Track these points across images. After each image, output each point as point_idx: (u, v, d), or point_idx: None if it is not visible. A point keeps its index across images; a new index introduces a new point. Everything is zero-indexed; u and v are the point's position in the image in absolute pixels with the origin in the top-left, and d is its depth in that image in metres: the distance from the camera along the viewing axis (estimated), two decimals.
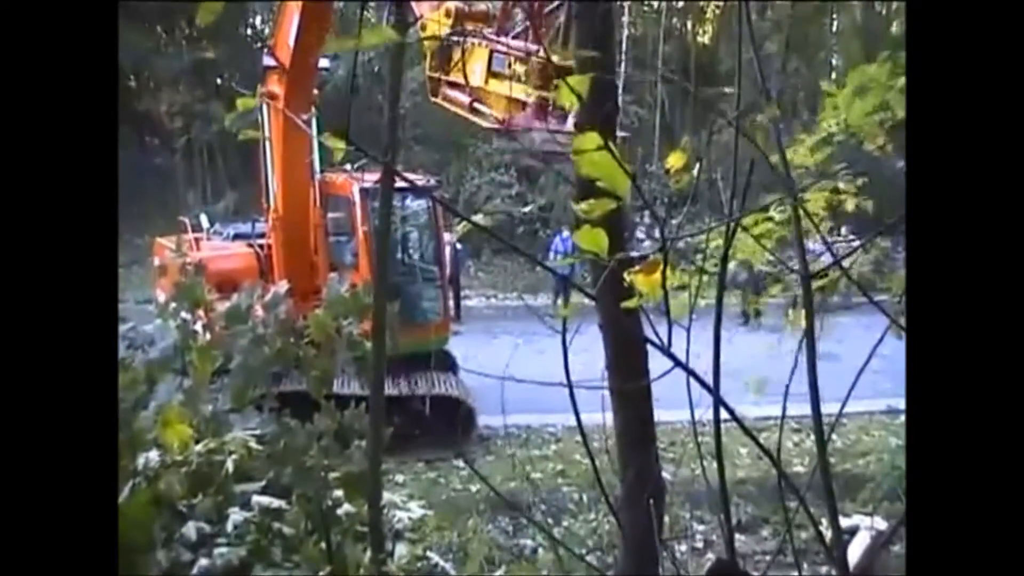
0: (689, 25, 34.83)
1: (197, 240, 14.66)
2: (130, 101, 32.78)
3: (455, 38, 9.70)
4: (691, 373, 2.35)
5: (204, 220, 16.23)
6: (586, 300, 3.41)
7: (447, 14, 9.92)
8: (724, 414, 2.56)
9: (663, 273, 2.13)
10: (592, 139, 1.78)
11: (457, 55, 10.00)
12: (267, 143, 13.89)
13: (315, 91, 13.54)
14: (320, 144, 13.52)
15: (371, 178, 13.05)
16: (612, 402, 5.18)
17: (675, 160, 2.57)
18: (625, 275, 2.22)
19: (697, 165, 2.62)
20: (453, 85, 10.16)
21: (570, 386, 2.54)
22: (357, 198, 13.17)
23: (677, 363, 2.27)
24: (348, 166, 12.81)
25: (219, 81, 31.34)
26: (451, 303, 15.34)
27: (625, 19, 27.97)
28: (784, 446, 4.19)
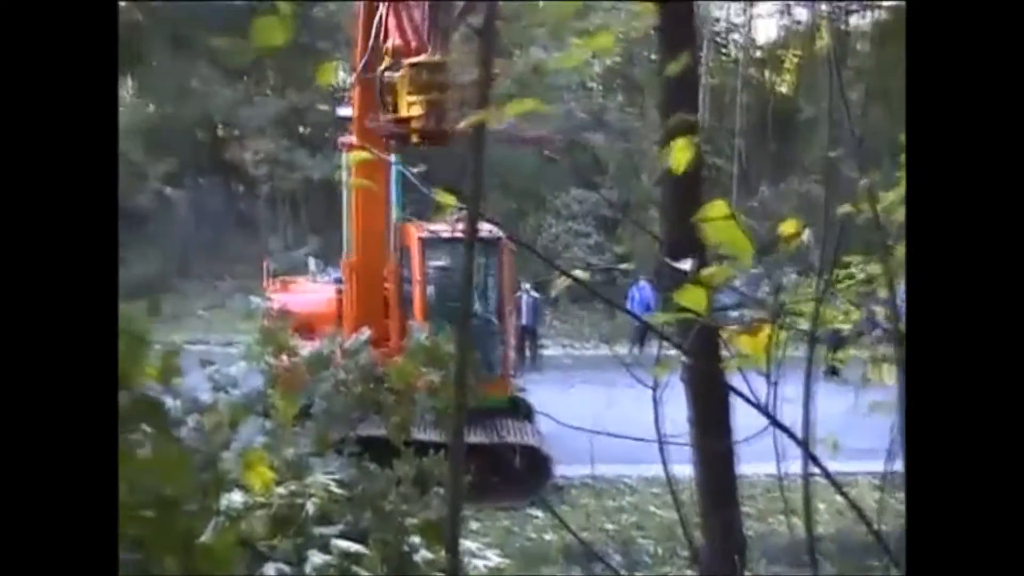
0: (767, 74, 34.74)
1: (285, 283, 14.90)
2: (218, 150, 33.65)
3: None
4: (784, 430, 2.33)
5: (312, 264, 16.46)
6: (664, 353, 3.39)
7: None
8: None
9: (770, 336, 2.11)
10: (719, 207, 1.79)
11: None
12: (347, 191, 14.15)
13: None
14: (400, 192, 13.75)
15: (433, 228, 13.31)
16: (694, 456, 5.13)
17: (788, 227, 2.56)
18: (724, 334, 2.21)
19: (807, 232, 2.60)
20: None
21: (660, 441, 2.53)
22: (415, 248, 13.35)
23: (771, 420, 2.25)
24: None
25: (302, 130, 31.96)
26: (512, 359, 14.81)
27: (703, 69, 27.98)
28: (866, 503, 4.12)
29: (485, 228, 14.05)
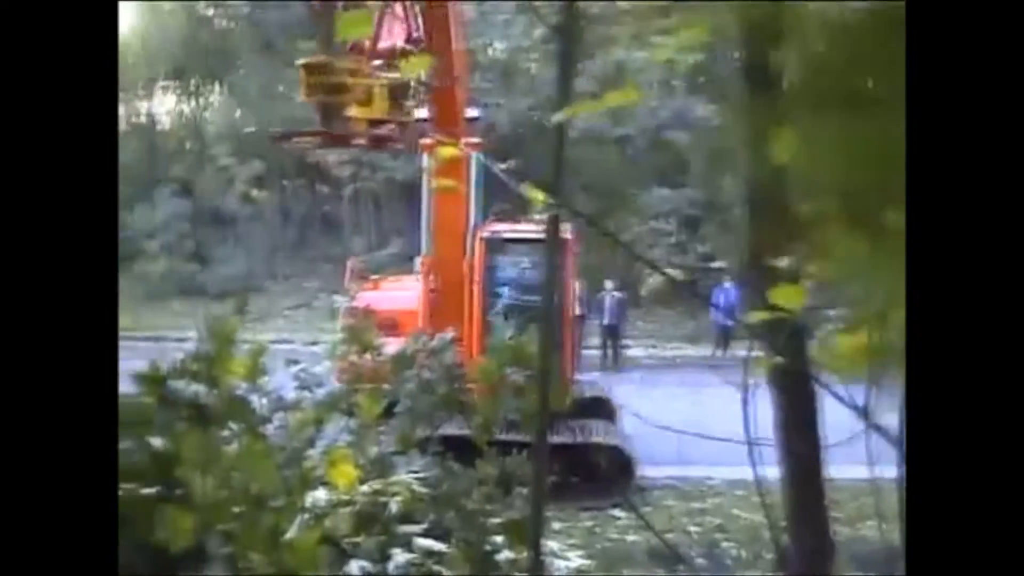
0: None
1: (371, 283, 15.06)
2: (303, 153, 34.13)
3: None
4: (883, 434, 2.28)
5: (418, 263, 16.61)
6: (741, 354, 3.34)
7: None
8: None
9: (868, 337, 2.06)
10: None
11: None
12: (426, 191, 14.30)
13: (472, 140, 13.78)
14: (480, 190, 13.83)
15: (496, 228, 13.49)
16: (782, 458, 5.05)
17: None
18: (819, 335, 2.18)
19: None
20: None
21: (750, 443, 2.49)
22: (478, 248, 13.40)
23: (869, 423, 2.20)
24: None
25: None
26: (573, 362, 14.59)
27: None
28: None
29: (533, 228, 13.94)
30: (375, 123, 9.70)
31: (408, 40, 10.47)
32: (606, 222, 26.67)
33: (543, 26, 8.18)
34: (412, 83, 10.28)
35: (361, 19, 2.08)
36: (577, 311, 14.39)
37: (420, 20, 10.58)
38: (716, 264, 24.32)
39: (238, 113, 33.44)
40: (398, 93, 10.11)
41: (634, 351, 23.34)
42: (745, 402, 2.39)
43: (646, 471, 13.24)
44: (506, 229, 13.68)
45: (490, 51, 30.03)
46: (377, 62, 9.92)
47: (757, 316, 2.08)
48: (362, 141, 9.27)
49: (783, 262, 2.07)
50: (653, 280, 20.00)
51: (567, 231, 12.94)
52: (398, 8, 10.49)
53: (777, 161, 1.98)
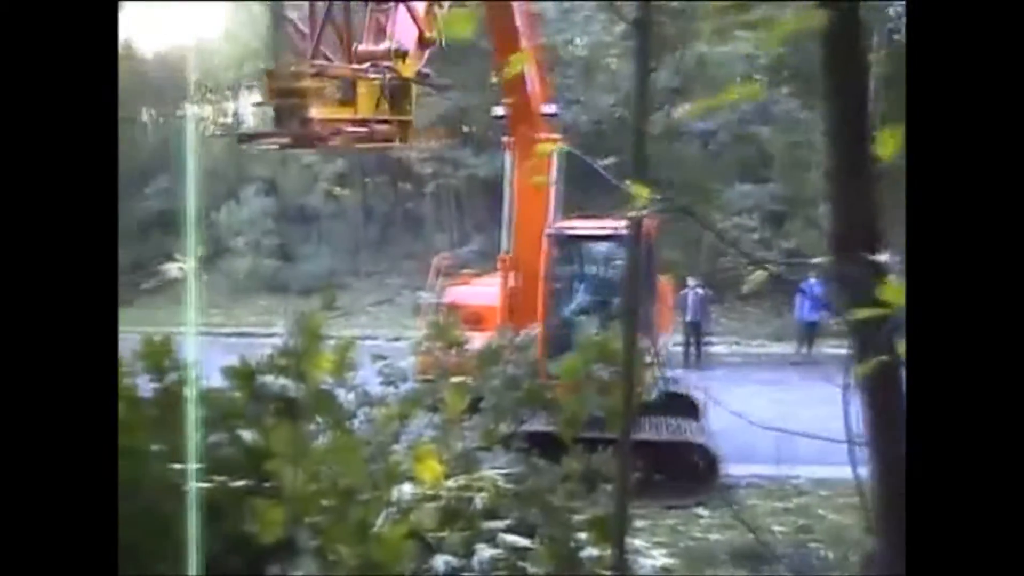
0: None
1: (456, 279, 15.23)
2: (386, 149, 34.43)
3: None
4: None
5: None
6: (825, 351, 3.28)
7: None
8: None
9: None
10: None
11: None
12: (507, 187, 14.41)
13: (552, 137, 13.83)
14: (561, 186, 13.85)
15: (562, 224, 13.64)
16: (872, 458, 4.96)
17: None
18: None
19: None
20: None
21: (850, 442, 2.46)
22: (544, 245, 13.44)
23: None
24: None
25: (466, 129, 32.41)
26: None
27: (873, 57, 27.11)
28: None
29: (621, 225, 13.86)
30: (359, 123, 9.89)
31: (420, 41, 10.61)
32: (688, 219, 26.50)
33: (623, 22, 8.17)
34: (410, 82, 10.47)
35: (464, 17, 2.08)
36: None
37: (436, 20, 10.71)
38: (803, 260, 23.99)
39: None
40: (395, 92, 10.26)
41: (717, 348, 23.12)
42: (845, 401, 2.35)
43: (730, 469, 13.12)
44: (574, 226, 13.71)
45: (571, 48, 29.96)
46: (366, 64, 10.11)
47: (862, 313, 2.05)
48: (337, 141, 9.46)
49: (880, 257, 2.04)
50: (753, 277, 19.64)
51: (649, 228, 12.92)
52: (402, 9, 10.69)
53: (882, 158, 1.96)
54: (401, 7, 10.56)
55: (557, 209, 14.21)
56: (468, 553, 3.63)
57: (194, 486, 2.91)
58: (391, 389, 4.41)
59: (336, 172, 32.62)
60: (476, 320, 12.16)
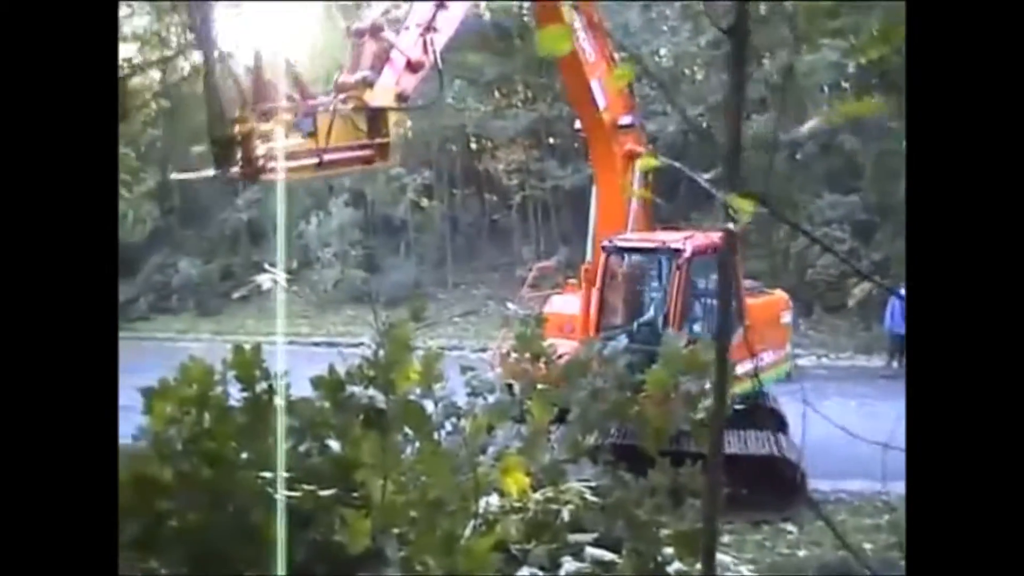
0: None
1: (563, 287, 15.38)
2: (471, 161, 34.67)
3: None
4: None
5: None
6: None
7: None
8: None
9: None
10: None
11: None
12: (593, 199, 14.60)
13: (635, 148, 13.89)
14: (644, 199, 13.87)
15: (624, 237, 13.61)
16: None
17: None
18: None
19: None
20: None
21: None
22: (599, 256, 13.49)
23: None
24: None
25: (551, 140, 32.44)
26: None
27: None
28: None
29: (676, 237, 13.85)
30: (317, 152, 10.31)
31: (409, 66, 11.16)
32: (776, 229, 26.13)
33: (711, 30, 8.17)
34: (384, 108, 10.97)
35: (561, 34, 2.08)
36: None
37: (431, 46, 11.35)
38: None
39: (408, 123, 34.15)
40: (372, 118, 10.85)
41: (803, 360, 22.76)
42: None
43: (816, 484, 12.89)
44: (629, 239, 13.70)
45: (656, 58, 29.83)
46: (326, 97, 10.70)
47: None
48: (274, 174, 9.93)
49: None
50: (859, 290, 19.36)
51: (687, 244, 12.94)
52: (399, 37, 11.26)
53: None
54: (371, 40, 11.13)
55: (654, 220, 14.26)
56: (554, 566, 3.61)
57: (282, 494, 2.94)
58: (478, 400, 4.41)
59: (423, 183, 32.88)
60: (563, 329, 12.27)
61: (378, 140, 11.01)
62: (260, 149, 9.46)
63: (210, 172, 9.76)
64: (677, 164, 2.28)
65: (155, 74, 39.05)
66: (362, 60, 11.12)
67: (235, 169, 9.43)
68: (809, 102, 25.29)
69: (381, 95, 10.88)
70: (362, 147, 10.90)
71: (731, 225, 1.99)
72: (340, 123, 10.40)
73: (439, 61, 11.47)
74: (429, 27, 11.41)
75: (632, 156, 13.93)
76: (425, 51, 11.37)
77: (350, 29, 11.42)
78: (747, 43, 2.02)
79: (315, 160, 10.19)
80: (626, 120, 14.09)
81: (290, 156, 9.82)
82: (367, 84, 10.82)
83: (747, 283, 12.50)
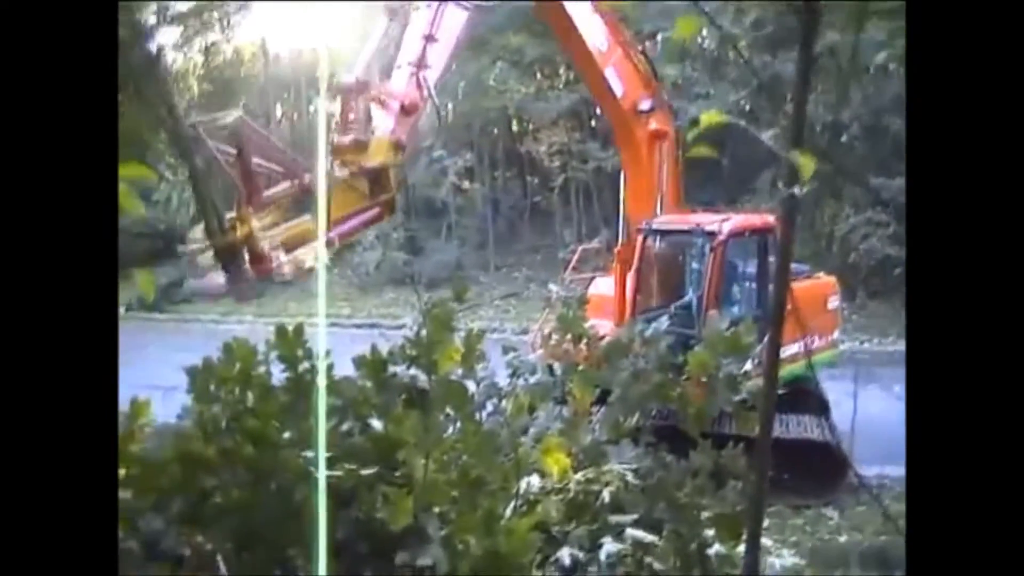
0: None
1: (605, 268, 15.46)
2: (513, 143, 34.62)
3: None
4: None
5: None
6: None
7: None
8: None
9: None
10: None
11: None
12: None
13: (659, 130, 13.89)
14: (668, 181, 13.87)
15: (661, 220, 13.75)
16: None
17: None
18: None
19: None
20: None
21: None
22: (636, 238, 13.54)
23: None
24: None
25: (593, 122, 32.33)
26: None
27: None
28: None
29: (713, 219, 13.77)
30: (341, 220, 10.55)
31: (403, 110, 11.24)
32: (819, 213, 25.89)
33: (754, 10, 8.12)
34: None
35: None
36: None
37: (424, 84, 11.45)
38: None
39: (450, 105, 34.20)
40: (373, 176, 10.92)
41: (846, 345, 22.56)
42: None
43: (859, 469, 12.79)
44: (666, 221, 13.66)
45: (698, 40, 29.59)
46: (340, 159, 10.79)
47: None
48: (288, 269, 9.93)
49: None
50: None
51: (724, 226, 12.89)
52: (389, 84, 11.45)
53: None
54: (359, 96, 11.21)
55: (683, 201, 14.22)
56: (594, 547, 3.61)
57: (323, 473, 2.96)
58: (519, 381, 4.41)
59: (465, 166, 32.89)
60: (604, 311, 12.30)
61: (383, 197, 11.07)
62: (265, 243, 9.50)
63: (220, 281, 9.75)
64: (743, 123, 2.26)
65: (198, 57, 39.53)
66: (351, 117, 11.15)
67: (246, 268, 9.48)
68: (854, 82, 24.97)
69: (378, 152, 10.90)
70: (367, 210, 10.99)
71: (795, 190, 1.96)
72: (340, 193, 10.41)
73: (435, 97, 11.58)
74: (421, 64, 11.40)
75: (658, 137, 13.92)
76: (419, 89, 11.40)
77: (335, 85, 11.45)
78: (819, 14, 1.98)
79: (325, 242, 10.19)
80: (646, 105, 14.06)
81: (298, 242, 9.84)
82: (361, 146, 10.83)
83: (793, 266, 12.39)
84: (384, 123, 11.15)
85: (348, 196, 10.56)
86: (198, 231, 9.90)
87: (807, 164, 1.89)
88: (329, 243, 10.32)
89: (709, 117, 2.12)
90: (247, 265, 9.32)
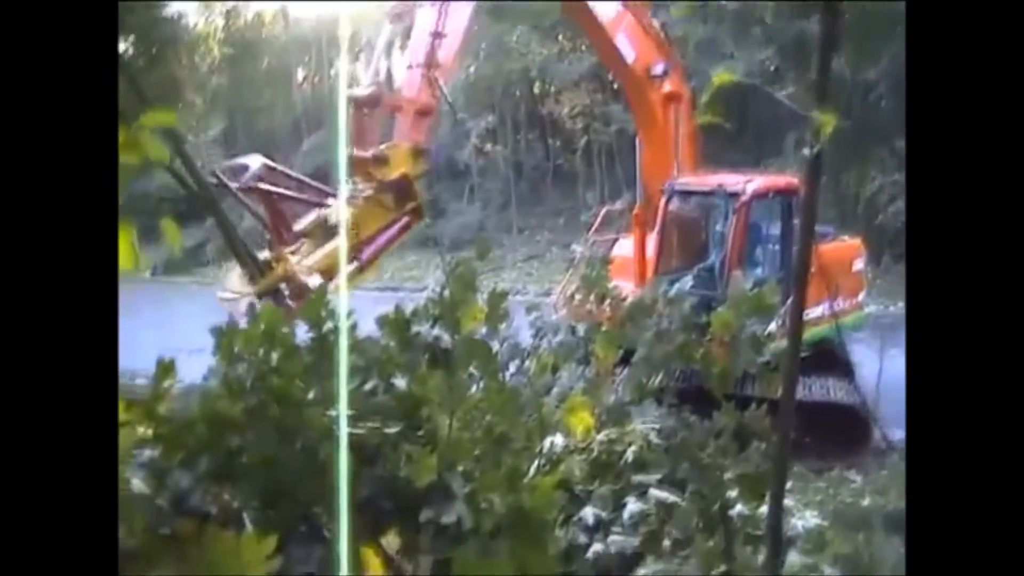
0: None
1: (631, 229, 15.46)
2: (535, 106, 34.47)
3: None
4: None
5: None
6: None
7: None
8: None
9: None
10: None
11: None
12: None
13: (674, 92, 13.82)
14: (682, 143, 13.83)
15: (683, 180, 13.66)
16: None
17: None
18: None
19: None
20: None
21: None
22: (661, 199, 13.44)
23: None
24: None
25: (615, 84, 32.14)
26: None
27: None
28: None
29: (736, 179, 13.68)
30: (372, 237, 10.60)
31: (419, 113, 11.33)
32: (845, 176, 25.68)
33: None
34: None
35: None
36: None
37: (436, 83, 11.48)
38: None
39: (472, 68, 34.04)
40: (398, 188, 10.87)
41: (871, 308, 22.44)
42: None
43: (884, 432, 12.78)
44: (687, 182, 13.59)
45: (721, 2, 29.31)
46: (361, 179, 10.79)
47: None
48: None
49: None
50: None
51: (747, 187, 12.80)
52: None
53: None
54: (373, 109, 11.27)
55: (709, 163, 14.16)
56: (617, 506, 3.62)
57: (344, 430, 2.98)
58: (542, 341, 4.43)
59: (487, 128, 32.79)
60: (627, 272, 12.30)
61: (410, 206, 11.02)
62: (303, 275, 9.56)
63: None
64: (758, 83, 2.24)
65: (219, 20, 39.47)
66: (367, 131, 11.13)
67: (288, 303, 9.42)
68: (882, 42, 24.69)
69: (399, 162, 10.87)
70: (396, 222, 10.93)
71: (813, 149, 1.95)
72: (366, 211, 10.44)
73: (446, 96, 11.78)
74: (431, 63, 11.35)
75: (672, 99, 13.82)
76: (432, 89, 11.40)
77: (349, 99, 11.38)
78: None
79: (356, 265, 10.34)
80: (659, 68, 13.96)
81: (334, 266, 9.83)
82: (382, 160, 10.80)
83: (818, 228, 12.29)
84: (400, 129, 11.23)
85: (375, 212, 10.58)
86: (233, 279, 9.93)
87: (827, 121, 1.88)
88: (362, 267, 10.33)
89: (721, 77, 2.10)
90: (289, 300, 9.33)
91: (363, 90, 11.28)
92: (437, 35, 11.35)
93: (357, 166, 10.67)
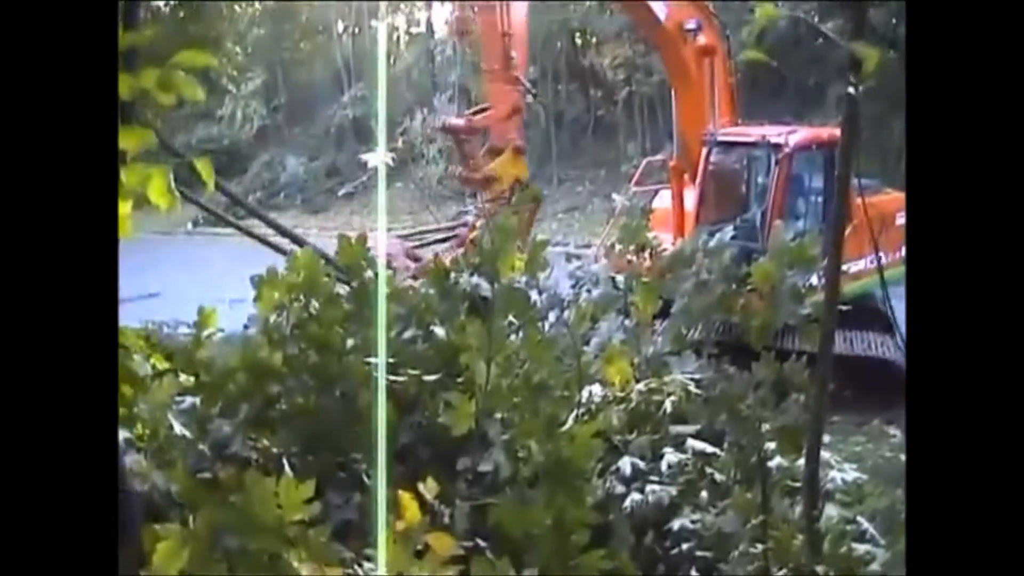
0: None
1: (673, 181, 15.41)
2: (576, 57, 34.16)
3: None
4: None
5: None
6: None
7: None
8: None
9: None
10: None
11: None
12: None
13: (704, 46, 13.63)
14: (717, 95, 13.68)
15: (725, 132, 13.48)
16: None
17: None
18: None
19: None
20: None
21: None
22: (703, 151, 13.29)
23: None
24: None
25: None
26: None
27: None
28: None
29: (778, 131, 13.46)
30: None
31: (510, 115, 12.00)
32: (887, 129, 25.27)
33: None
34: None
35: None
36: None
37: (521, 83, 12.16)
38: None
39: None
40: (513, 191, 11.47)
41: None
42: None
43: None
44: (728, 133, 13.41)
45: None
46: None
47: None
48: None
49: None
50: None
51: (789, 139, 12.62)
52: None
53: None
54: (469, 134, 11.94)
55: (749, 116, 13.98)
56: (655, 457, 3.62)
57: (383, 378, 3.00)
58: (582, 292, 4.42)
59: (528, 79, 32.58)
60: (666, 224, 12.27)
61: (528, 192, 11.84)
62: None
63: None
64: (801, 14, 2.21)
65: None
66: (470, 156, 11.79)
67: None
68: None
69: (506, 173, 11.43)
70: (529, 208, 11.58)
71: (852, 91, 1.92)
72: (501, 230, 10.62)
73: (531, 89, 12.06)
74: (508, 64, 11.87)
75: (707, 52, 13.63)
76: (516, 86, 11.95)
77: (443, 126, 12.47)
78: None
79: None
80: (692, 24, 13.76)
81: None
82: (491, 180, 11.36)
83: (862, 181, 12.07)
84: (495, 134, 11.72)
85: (509, 224, 10.82)
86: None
87: (871, 56, 1.83)
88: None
89: (766, 11, 2.05)
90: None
91: (457, 121, 12.11)
92: (506, 35, 11.66)
93: (469, 183, 11.80)
